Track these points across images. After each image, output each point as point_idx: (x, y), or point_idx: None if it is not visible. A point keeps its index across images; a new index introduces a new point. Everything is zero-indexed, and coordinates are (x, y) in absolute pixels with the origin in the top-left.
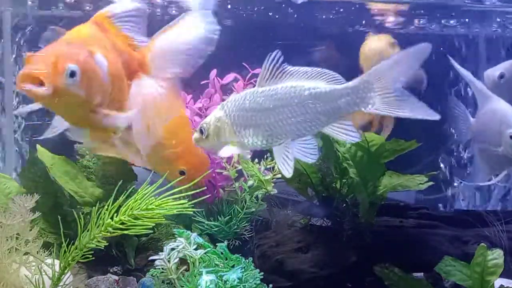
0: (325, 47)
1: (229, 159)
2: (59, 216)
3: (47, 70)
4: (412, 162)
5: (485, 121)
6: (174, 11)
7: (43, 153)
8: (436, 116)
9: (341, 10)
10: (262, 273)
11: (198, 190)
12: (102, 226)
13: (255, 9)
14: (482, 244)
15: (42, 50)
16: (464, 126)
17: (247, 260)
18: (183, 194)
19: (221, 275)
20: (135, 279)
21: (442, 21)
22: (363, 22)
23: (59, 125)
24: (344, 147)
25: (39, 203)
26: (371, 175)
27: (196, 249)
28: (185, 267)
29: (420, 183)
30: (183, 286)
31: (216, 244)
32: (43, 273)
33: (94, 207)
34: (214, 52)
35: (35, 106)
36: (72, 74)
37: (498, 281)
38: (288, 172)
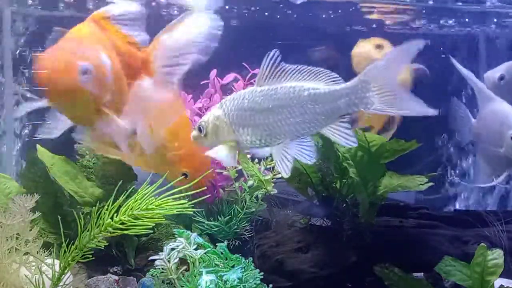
0: (325, 47)
1: None
2: (59, 216)
3: (60, 68)
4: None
5: (486, 122)
6: (175, 11)
7: (43, 153)
8: (434, 112)
9: (339, 10)
10: (262, 273)
11: (198, 190)
12: (102, 226)
13: (252, 9)
14: (482, 244)
15: (52, 48)
16: (466, 127)
17: (247, 260)
18: (183, 194)
19: (221, 275)
20: (135, 279)
21: (441, 21)
22: (364, 22)
23: (57, 126)
24: (344, 147)
25: (39, 203)
26: (371, 175)
27: (196, 249)
28: (185, 267)
29: (421, 184)
30: (183, 286)
31: (216, 244)
32: (43, 273)
33: (94, 207)
34: (214, 52)
35: (38, 104)
36: (85, 72)
37: (498, 281)
38: (285, 173)
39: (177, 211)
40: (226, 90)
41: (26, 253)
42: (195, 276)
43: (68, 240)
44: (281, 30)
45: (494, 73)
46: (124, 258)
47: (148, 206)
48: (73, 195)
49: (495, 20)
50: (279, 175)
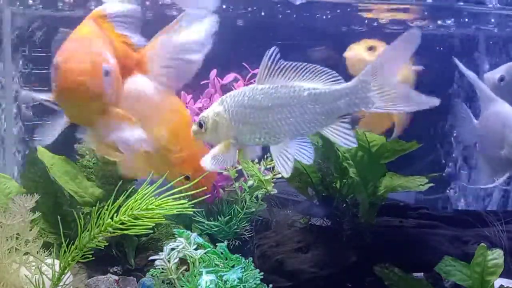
0: (324, 47)
1: None
2: (59, 216)
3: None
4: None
5: (488, 123)
6: (174, 12)
7: (43, 153)
8: (436, 102)
9: (338, 10)
10: (262, 273)
11: (198, 190)
12: (102, 226)
13: (250, 9)
14: (482, 244)
15: (69, 49)
16: (468, 128)
17: (247, 260)
18: (183, 194)
19: (221, 275)
20: (135, 279)
21: (439, 21)
22: (364, 22)
23: (57, 128)
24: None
25: (39, 203)
26: (371, 175)
27: (196, 249)
28: (185, 267)
29: (421, 184)
30: (183, 286)
31: (216, 244)
32: (43, 273)
33: (94, 207)
34: (214, 52)
35: (41, 97)
36: (107, 73)
37: (498, 281)
38: (286, 173)
39: (177, 211)
40: (226, 90)
41: (26, 253)
42: (195, 276)
43: (68, 240)
44: (281, 30)
45: (494, 74)
46: (124, 258)
47: (148, 206)
48: (73, 195)
49: (492, 20)
50: (279, 175)
